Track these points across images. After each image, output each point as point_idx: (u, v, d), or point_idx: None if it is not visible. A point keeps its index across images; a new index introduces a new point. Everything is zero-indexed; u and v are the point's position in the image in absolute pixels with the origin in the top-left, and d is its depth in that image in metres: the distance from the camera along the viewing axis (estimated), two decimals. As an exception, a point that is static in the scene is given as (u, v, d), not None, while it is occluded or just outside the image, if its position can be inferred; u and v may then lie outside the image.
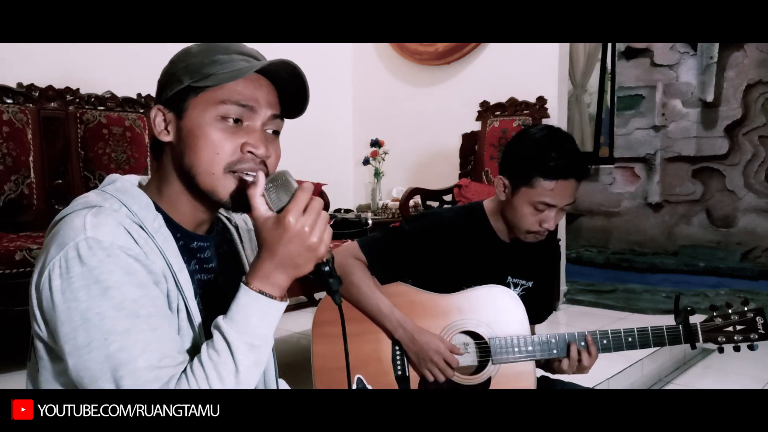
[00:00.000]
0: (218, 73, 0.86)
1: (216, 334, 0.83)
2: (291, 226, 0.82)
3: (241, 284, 0.84)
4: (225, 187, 0.88)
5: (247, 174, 0.88)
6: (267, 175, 0.87)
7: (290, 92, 0.92)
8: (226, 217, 1.07)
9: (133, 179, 0.94)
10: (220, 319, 0.84)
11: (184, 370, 0.81)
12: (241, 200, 0.88)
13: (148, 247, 0.83)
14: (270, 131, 0.91)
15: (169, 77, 0.89)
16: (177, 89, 0.87)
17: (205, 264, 0.95)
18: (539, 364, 1.53)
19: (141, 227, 0.84)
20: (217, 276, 0.97)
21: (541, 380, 1.60)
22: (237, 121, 0.87)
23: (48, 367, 0.85)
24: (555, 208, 1.43)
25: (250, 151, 0.87)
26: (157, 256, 0.84)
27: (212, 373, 0.80)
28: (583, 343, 1.45)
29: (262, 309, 0.83)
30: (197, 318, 0.88)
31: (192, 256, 0.92)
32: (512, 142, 1.50)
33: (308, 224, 0.82)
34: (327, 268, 0.87)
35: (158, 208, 0.89)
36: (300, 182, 0.86)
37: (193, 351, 0.86)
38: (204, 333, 0.89)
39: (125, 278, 0.79)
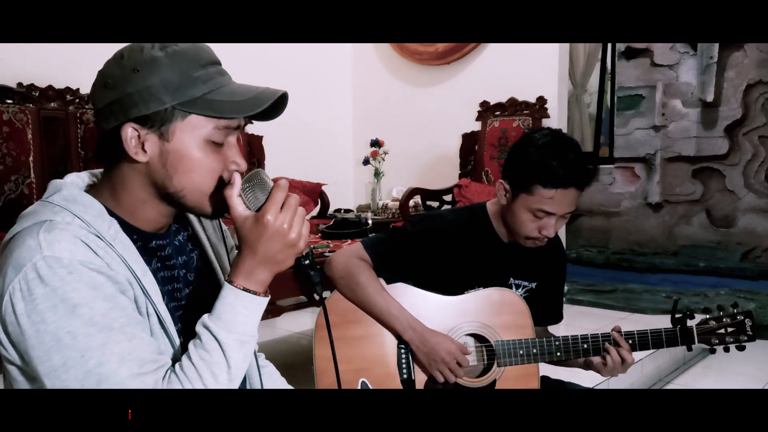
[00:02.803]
0: (209, 99, 0.84)
1: (205, 334, 0.84)
2: (270, 224, 0.84)
3: (225, 282, 0.87)
4: (212, 200, 0.89)
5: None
6: (242, 175, 0.89)
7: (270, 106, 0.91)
8: None
9: (79, 181, 0.93)
10: (206, 318, 0.85)
11: (175, 372, 0.82)
12: (221, 207, 0.89)
13: (109, 257, 0.82)
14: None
15: (138, 91, 0.83)
16: (156, 109, 0.83)
17: (167, 261, 0.95)
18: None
19: (98, 237, 0.82)
20: (179, 269, 0.97)
21: (541, 381, 1.59)
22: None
23: (26, 388, 0.84)
24: (554, 216, 1.42)
25: (234, 169, 0.89)
26: (119, 264, 0.83)
27: (205, 372, 0.82)
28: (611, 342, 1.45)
29: (248, 306, 0.86)
30: (168, 319, 0.88)
31: (152, 256, 0.92)
32: (515, 147, 1.48)
33: (287, 221, 0.85)
34: (307, 261, 0.91)
35: (111, 212, 0.87)
36: (275, 180, 0.88)
37: (168, 352, 0.87)
38: (177, 333, 0.90)
39: (92, 293, 0.78)
